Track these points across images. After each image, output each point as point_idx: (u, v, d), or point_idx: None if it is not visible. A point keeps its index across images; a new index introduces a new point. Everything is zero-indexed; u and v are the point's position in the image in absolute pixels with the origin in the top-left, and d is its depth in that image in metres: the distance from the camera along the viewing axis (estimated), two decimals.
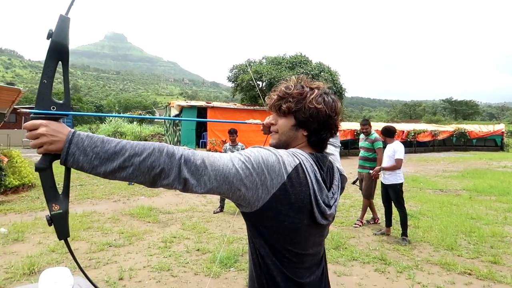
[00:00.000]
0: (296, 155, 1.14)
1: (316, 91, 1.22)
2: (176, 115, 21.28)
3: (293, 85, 1.24)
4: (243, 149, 7.56)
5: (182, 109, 20.62)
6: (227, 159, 1.04)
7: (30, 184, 9.33)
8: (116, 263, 4.48)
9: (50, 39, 0.98)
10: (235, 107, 22.26)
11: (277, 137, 1.27)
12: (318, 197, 1.13)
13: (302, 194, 1.09)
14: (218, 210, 7.32)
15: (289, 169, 1.08)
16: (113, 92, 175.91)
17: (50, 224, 1.01)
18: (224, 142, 15.42)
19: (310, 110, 1.18)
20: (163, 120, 28.38)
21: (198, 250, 4.98)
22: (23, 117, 29.61)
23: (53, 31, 0.98)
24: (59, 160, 0.96)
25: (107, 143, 0.96)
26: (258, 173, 1.04)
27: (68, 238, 1.07)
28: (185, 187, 1.01)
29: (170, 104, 23.58)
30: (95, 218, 6.58)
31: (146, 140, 25.00)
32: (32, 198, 8.18)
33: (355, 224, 6.41)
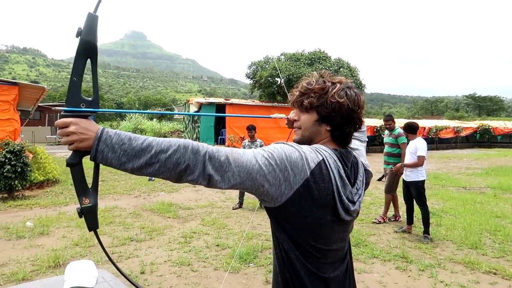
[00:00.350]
0: (319, 151, 1.14)
1: (338, 85, 1.20)
2: (195, 112, 21.44)
3: (314, 81, 1.23)
4: (262, 145, 7.54)
5: (201, 106, 20.79)
6: (250, 156, 1.05)
7: (54, 180, 9.57)
8: (137, 257, 4.56)
9: (79, 37, 0.99)
10: (254, 103, 22.29)
11: (300, 133, 1.26)
12: (342, 193, 1.12)
13: (325, 190, 1.09)
14: (237, 206, 7.35)
15: (312, 165, 1.08)
16: (133, 89, 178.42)
17: (80, 217, 1.04)
18: (243, 138, 15.46)
19: (332, 104, 1.17)
20: (182, 117, 28.65)
21: (218, 245, 5.02)
22: (46, 114, 30.39)
23: (82, 29, 0.99)
24: (89, 156, 0.99)
25: (134, 140, 0.98)
26: (281, 169, 1.05)
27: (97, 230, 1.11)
28: (210, 183, 1.02)
29: (189, 101, 23.80)
30: (117, 213, 6.71)
31: (165, 137, 25.31)
32: (56, 193, 8.39)
33: (376, 219, 6.34)
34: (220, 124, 20.46)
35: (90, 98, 1.03)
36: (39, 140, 24.16)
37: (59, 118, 1.00)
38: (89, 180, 1.06)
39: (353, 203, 1.17)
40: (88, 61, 1.03)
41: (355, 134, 1.50)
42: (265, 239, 5.27)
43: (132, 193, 8.80)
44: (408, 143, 5.79)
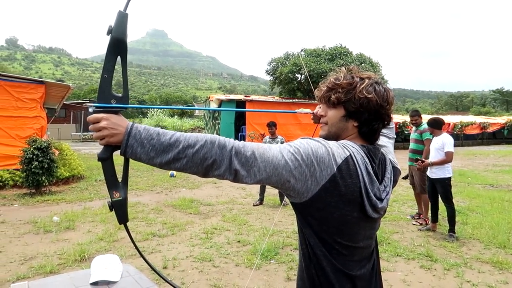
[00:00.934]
0: (346, 147, 1.12)
1: (367, 80, 1.18)
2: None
3: (342, 76, 1.21)
4: (283, 142, 7.50)
5: (221, 103, 20.86)
6: (276, 151, 1.05)
7: (79, 176, 9.81)
8: (160, 252, 4.62)
9: (110, 35, 1.01)
10: (274, 100, 22.23)
11: (327, 129, 1.25)
12: (369, 190, 1.11)
13: (352, 186, 1.08)
14: (257, 202, 7.36)
15: (339, 161, 1.07)
16: (155, 87, 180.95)
17: (111, 210, 1.07)
18: (263, 135, 15.46)
19: (360, 100, 1.15)
20: (203, 114, 28.87)
21: (239, 242, 5.04)
22: (72, 112, 31.15)
23: (113, 27, 1.01)
24: (119, 151, 1.01)
25: (162, 135, 1.00)
26: (307, 165, 1.04)
27: (127, 223, 1.13)
28: (236, 178, 1.03)
29: (209, 98, 23.93)
30: (140, 208, 6.82)
31: None
32: (81, 189, 8.60)
33: (416, 221, 6.10)
34: (240, 121, 20.45)
35: (120, 94, 1.05)
36: (65, 137, 24.83)
37: (91, 114, 1.02)
38: (119, 175, 1.08)
39: (381, 200, 1.15)
40: (119, 58, 1.05)
41: (383, 130, 1.46)
42: (286, 236, 5.25)
43: (154, 189, 8.93)
44: (432, 139, 5.63)
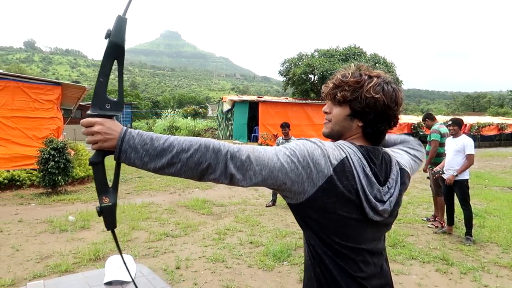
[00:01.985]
0: (343, 148, 1.11)
1: (375, 79, 1.15)
2: (229, 110, 21.63)
3: (350, 73, 1.18)
4: None
5: (234, 103, 20.93)
6: (272, 153, 1.04)
7: None
8: (173, 252, 4.65)
9: (108, 39, 1.01)
10: (287, 101, 22.18)
11: (330, 126, 1.23)
12: (367, 191, 1.08)
13: (348, 188, 1.06)
14: (270, 203, 7.34)
15: (335, 162, 1.06)
16: (168, 88, 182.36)
17: (99, 215, 1.05)
18: (276, 136, 15.42)
19: (366, 99, 1.12)
20: (216, 115, 28.98)
21: (251, 243, 5.03)
22: (87, 112, 31.60)
23: (111, 31, 1.00)
24: (112, 155, 1.01)
25: (156, 140, 0.99)
26: (303, 166, 1.04)
27: (115, 229, 1.11)
28: (231, 181, 1.03)
29: (222, 99, 24.02)
30: (153, 209, 6.88)
31: (199, 134, 25.68)
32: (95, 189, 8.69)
33: (432, 224, 5.99)
34: (253, 122, 20.49)
35: (115, 99, 1.04)
36: (80, 137, 25.18)
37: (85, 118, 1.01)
38: (111, 180, 1.07)
39: (382, 202, 1.12)
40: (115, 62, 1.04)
41: (408, 149, 1.43)
42: (299, 238, 5.22)
43: (167, 189, 8.99)
44: (450, 140, 5.48)
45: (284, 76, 29.52)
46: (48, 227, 5.59)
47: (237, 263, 4.34)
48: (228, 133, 22.31)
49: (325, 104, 1.27)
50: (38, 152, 7.98)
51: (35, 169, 8.49)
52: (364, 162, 1.11)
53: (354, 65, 1.22)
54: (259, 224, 5.94)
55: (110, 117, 1.02)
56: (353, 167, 1.08)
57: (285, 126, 7.32)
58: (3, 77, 9.85)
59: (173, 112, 35.60)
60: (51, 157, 7.85)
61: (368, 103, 1.12)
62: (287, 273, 4.10)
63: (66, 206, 7.05)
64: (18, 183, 8.57)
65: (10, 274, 3.95)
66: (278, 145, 7.37)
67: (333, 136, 1.22)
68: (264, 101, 20.49)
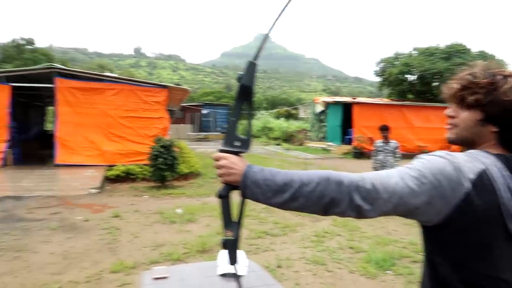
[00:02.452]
0: (479, 160, 0.98)
1: (511, 79, 1.01)
2: (322, 112, 21.41)
3: (480, 72, 1.04)
4: (397, 147, 7.01)
5: (327, 105, 20.67)
6: (397, 177, 0.96)
7: (197, 173, 10.62)
8: (273, 251, 4.75)
9: (239, 83, 1.08)
10: (383, 102, 21.23)
11: (457, 132, 1.10)
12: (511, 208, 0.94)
13: (489, 205, 0.93)
14: None
15: (472, 177, 0.94)
16: (261, 90, 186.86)
17: (223, 248, 1.10)
18: (371, 139, 14.83)
19: (504, 103, 1.00)
20: (308, 116, 28.92)
21: (351, 248, 4.91)
22: (187, 113, 33.89)
23: (243, 75, 1.08)
24: (238, 191, 1.05)
25: (277, 175, 1.01)
26: (435, 186, 0.94)
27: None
28: (359, 214, 0.97)
29: (315, 100, 23.87)
30: (251, 207, 7.08)
31: (292, 135, 25.84)
32: (199, 185, 9.31)
33: None
34: (347, 124, 19.98)
35: (245, 137, 1.10)
36: (182, 136, 27.13)
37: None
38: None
39: None
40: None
41: None
42: (403, 247, 4.96)
43: None
44: None
45: (380, 76, 28.31)
46: (159, 218, 6.13)
47: (338, 268, 4.27)
48: (321, 135, 22.10)
49: (447, 107, 1.14)
50: (149, 149, 8.79)
51: (146, 165, 9.37)
52: (505, 173, 0.98)
53: (482, 63, 1.09)
54: (358, 229, 5.77)
55: (236, 153, 1.08)
56: (493, 181, 0.95)
57: (384, 129, 7.00)
58: (120, 81, 11.10)
59: (266, 113, 36.46)
60: (160, 154, 8.58)
61: (506, 107, 1.00)
62: (391, 283, 3.92)
63: (173, 200, 7.65)
64: (133, 176, 9.54)
65: (131, 258, 4.42)
66: (376, 148, 7.09)
67: (460, 143, 1.10)
68: (359, 103, 19.87)
